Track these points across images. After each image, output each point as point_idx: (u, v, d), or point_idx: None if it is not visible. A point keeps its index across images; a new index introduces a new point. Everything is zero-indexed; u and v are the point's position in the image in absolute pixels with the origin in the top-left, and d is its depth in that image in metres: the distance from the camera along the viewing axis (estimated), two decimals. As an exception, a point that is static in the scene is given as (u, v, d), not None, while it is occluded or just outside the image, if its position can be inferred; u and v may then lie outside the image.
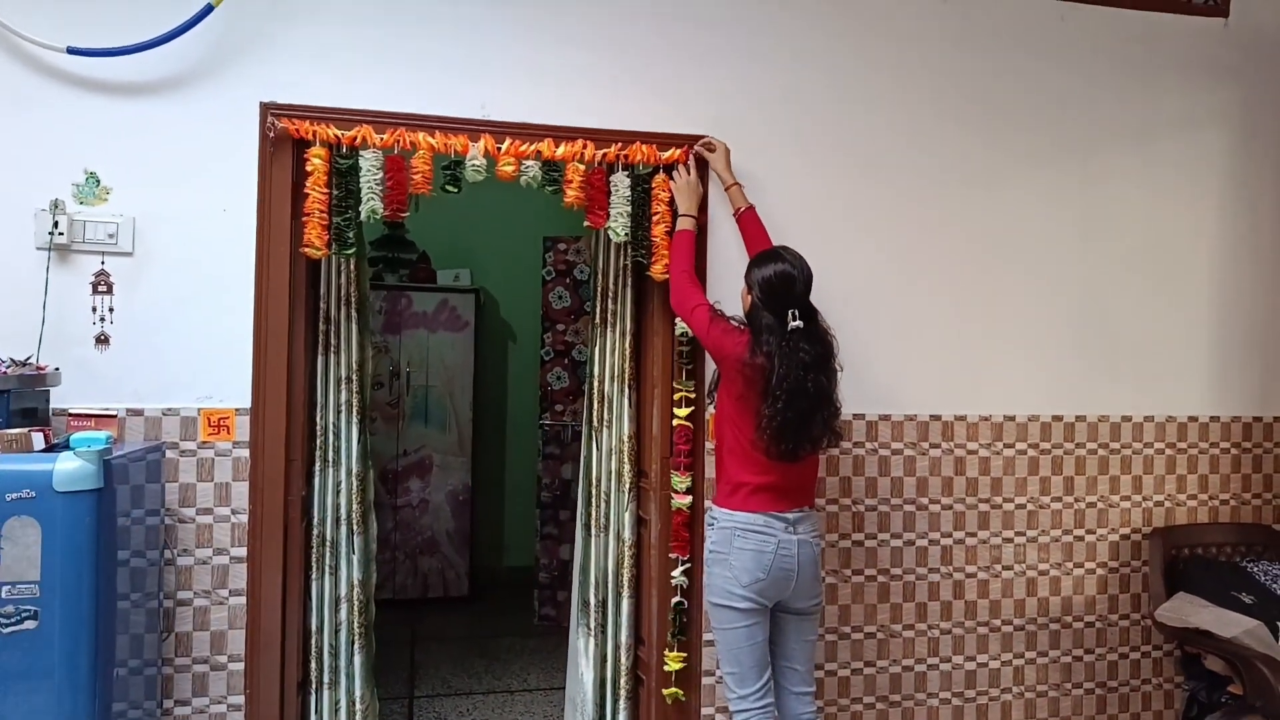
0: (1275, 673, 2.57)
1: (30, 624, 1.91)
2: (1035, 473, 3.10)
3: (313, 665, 2.82)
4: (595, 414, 3.13)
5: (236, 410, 2.57)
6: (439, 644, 4.71)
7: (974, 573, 3.05)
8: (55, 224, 2.42)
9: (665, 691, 2.84)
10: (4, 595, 1.90)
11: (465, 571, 5.35)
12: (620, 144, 2.76)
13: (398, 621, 4.88)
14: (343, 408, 2.86)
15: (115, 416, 2.42)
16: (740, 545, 2.38)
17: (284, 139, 2.59)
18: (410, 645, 4.64)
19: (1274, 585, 2.91)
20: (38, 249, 2.45)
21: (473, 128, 2.68)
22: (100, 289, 2.49)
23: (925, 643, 3.02)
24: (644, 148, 2.77)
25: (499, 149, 2.66)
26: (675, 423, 2.85)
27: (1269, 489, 3.28)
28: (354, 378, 2.87)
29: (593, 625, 3.08)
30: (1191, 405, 3.23)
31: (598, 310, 3.10)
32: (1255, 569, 2.99)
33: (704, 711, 2.87)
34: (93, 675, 1.99)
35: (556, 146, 2.69)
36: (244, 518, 2.57)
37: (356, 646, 2.88)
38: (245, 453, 2.57)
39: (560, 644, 3.23)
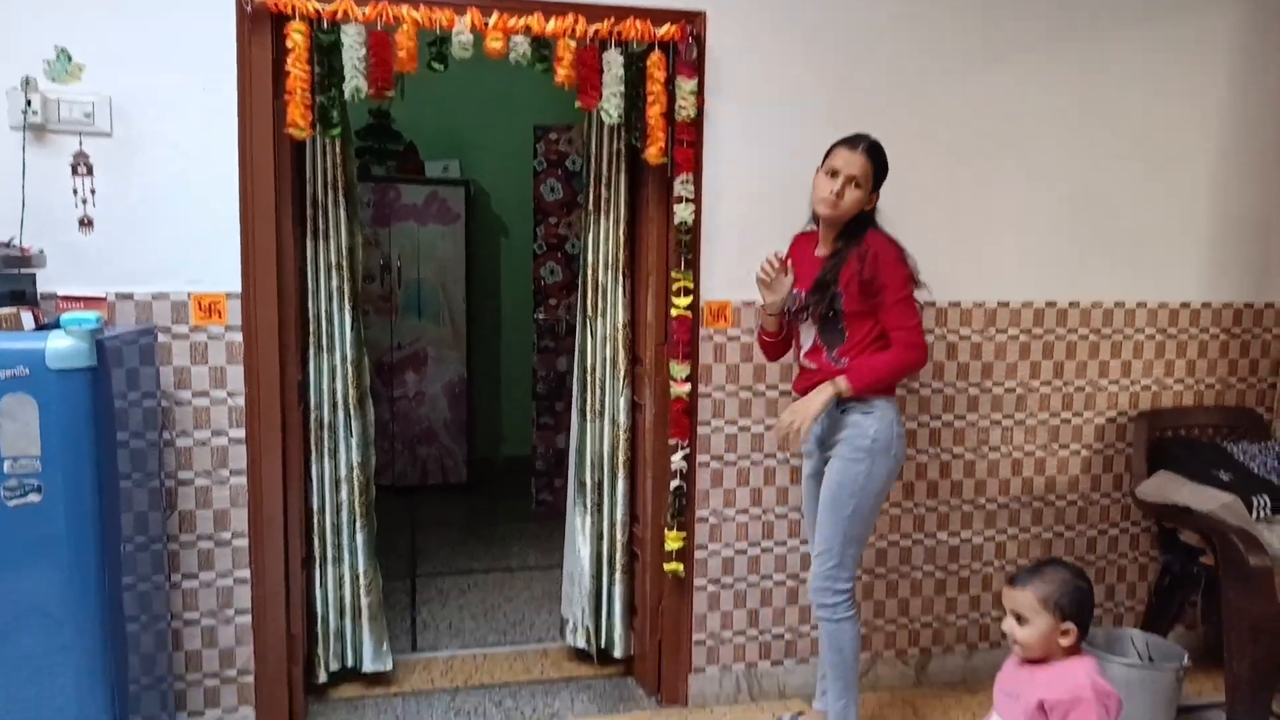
0: (1246, 544, 2.65)
1: (34, 497, 1.95)
2: (1026, 357, 3.13)
3: (316, 543, 2.90)
4: (589, 302, 3.13)
5: (227, 295, 2.56)
6: (439, 528, 4.84)
7: (961, 454, 3.11)
8: (28, 102, 2.36)
9: (666, 567, 2.92)
10: (6, 470, 1.93)
11: (463, 460, 5.45)
12: (613, 19, 2.68)
13: (398, 507, 5.00)
14: (334, 294, 2.86)
15: (104, 299, 2.42)
16: (900, 435, 2.51)
17: (262, 14, 2.50)
18: (411, 529, 4.77)
19: (1252, 464, 2.98)
20: (12, 129, 2.39)
21: (459, 1, 2.60)
22: (80, 170, 2.45)
23: (911, 519, 3.10)
24: (638, 23, 2.69)
25: (486, 24, 2.58)
26: (675, 313, 2.85)
27: (1254, 373, 3.33)
28: (344, 264, 2.86)
29: (589, 505, 3.15)
30: (1185, 291, 3.24)
31: (590, 197, 3.06)
32: (1235, 449, 3.05)
33: (696, 583, 2.97)
34: (99, 546, 2.04)
35: (546, 21, 2.61)
36: (240, 400, 2.60)
37: (359, 525, 2.95)
38: (238, 337, 2.58)
39: (557, 528, 3.32)
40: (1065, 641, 1.78)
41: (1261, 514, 2.83)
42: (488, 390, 6.01)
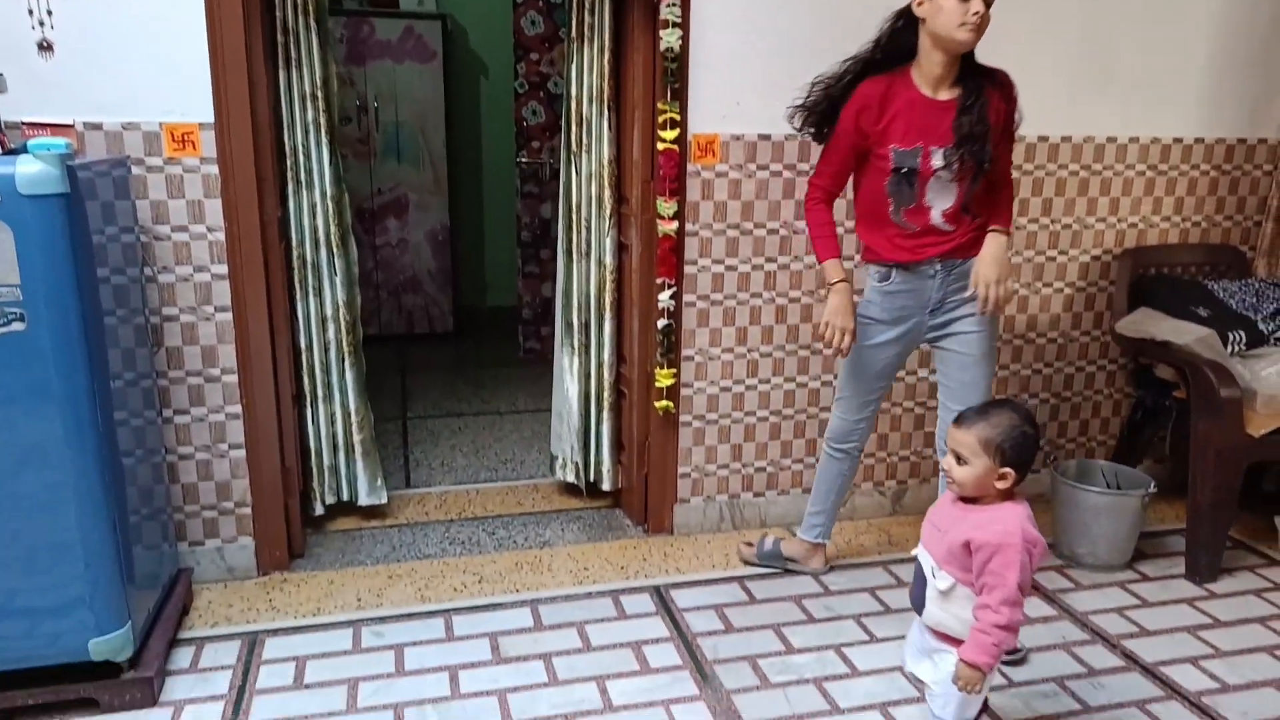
0: (1219, 376, 2.72)
1: (18, 325, 1.94)
2: (1016, 194, 3.09)
3: (305, 381, 2.92)
4: (574, 138, 3.06)
5: (200, 125, 2.47)
6: (428, 373, 4.89)
7: (945, 291, 3.13)
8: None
9: (656, 404, 2.97)
10: (-12, 297, 1.91)
11: (449, 309, 5.45)
12: None
13: (386, 354, 5.03)
14: (310, 127, 2.77)
15: (71, 126, 2.33)
16: None
17: None
18: (400, 374, 4.82)
19: (1231, 301, 3.01)
20: (-40, -59, 2.24)
21: None
22: (34, -13, 2.31)
23: (894, 357, 3.15)
24: None
25: None
26: (661, 146, 2.78)
27: (1241, 211, 3.32)
28: (319, 95, 2.76)
29: (576, 345, 3.18)
30: (1178, 127, 3.19)
31: (574, 24, 2.94)
32: (1216, 286, 3.08)
33: (682, 419, 3.04)
34: (88, 376, 2.04)
35: None
36: (220, 235, 2.55)
37: (347, 364, 2.97)
38: (214, 169, 2.51)
39: (545, 374, 3.36)
40: (1001, 485, 1.73)
41: (1236, 349, 2.89)
42: (471, 238, 5.95)
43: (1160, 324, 2.89)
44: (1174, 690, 2.33)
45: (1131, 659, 2.46)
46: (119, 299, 2.32)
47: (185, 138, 2.46)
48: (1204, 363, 2.76)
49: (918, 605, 1.84)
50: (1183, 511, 3.01)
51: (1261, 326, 2.93)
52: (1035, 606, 2.71)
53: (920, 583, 1.83)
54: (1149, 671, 2.41)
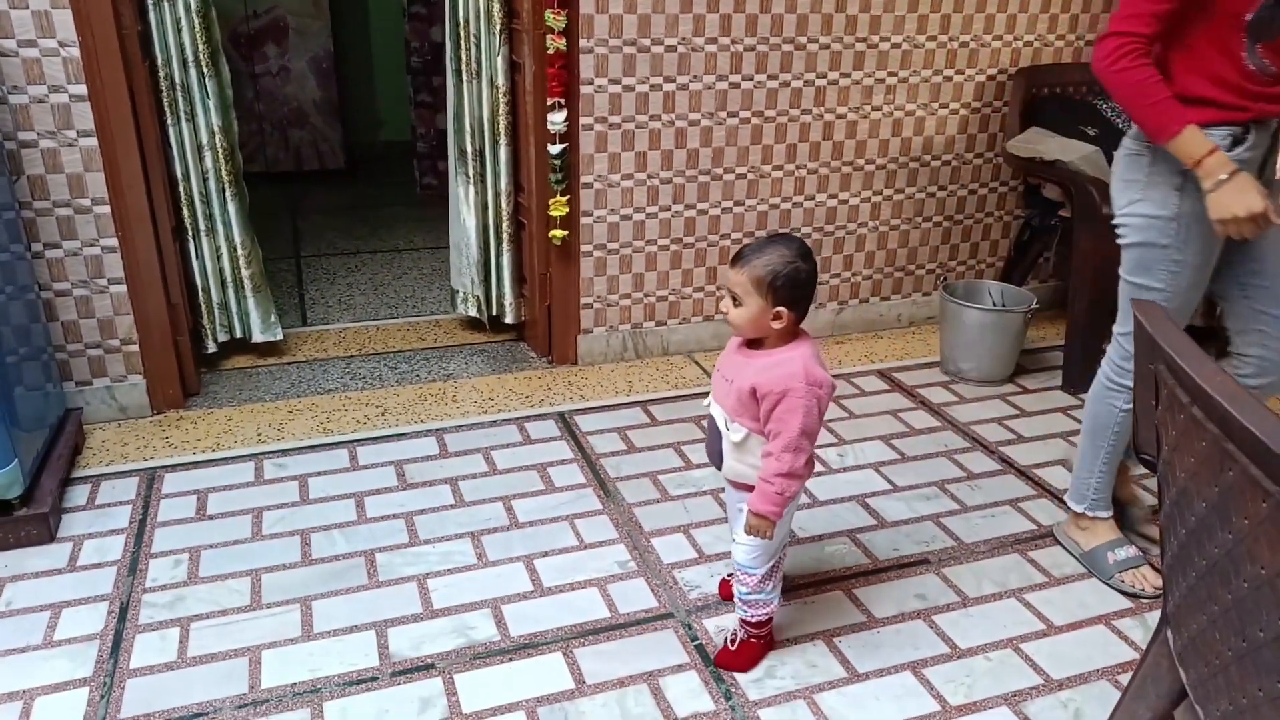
0: (1101, 193, 2.81)
1: None
2: (914, 10, 3.05)
3: (185, 213, 2.77)
4: (459, -54, 2.86)
5: (35, -78, 2.22)
6: (321, 214, 4.71)
7: (844, 114, 3.12)
8: None
9: (551, 233, 2.93)
10: None
11: (339, 144, 5.21)
12: None
13: (275, 193, 4.80)
14: (166, -71, 2.52)
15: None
16: None
17: None
18: (291, 215, 4.63)
19: (1118, 120, 3.08)
20: None
21: None
22: None
23: (792, 182, 3.16)
24: None
25: None
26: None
27: (1133, 31, 3.35)
28: (173, -109, 2.49)
29: (471, 174, 3.08)
30: (1076, -58, 3.17)
31: None
32: (1105, 106, 3.14)
33: (583, 249, 3.01)
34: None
35: None
36: (75, 51, 2.34)
37: (229, 194, 2.83)
38: (58, -25, 2.27)
39: (443, 211, 3.25)
40: (776, 325, 1.62)
41: (1118, 168, 2.98)
42: (358, 65, 5.61)
43: (1049, 142, 2.95)
44: (1044, 489, 2.52)
45: (1008, 463, 2.64)
46: (-37, 122, 2.13)
47: (18, -64, 2.21)
48: (1088, 180, 2.84)
49: (715, 460, 1.77)
50: (1063, 329, 3.18)
51: (1143, 146, 3.02)
52: (920, 418, 2.86)
53: (716, 437, 1.74)
54: (1023, 473, 2.59)
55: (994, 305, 3.09)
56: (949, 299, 3.05)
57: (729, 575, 2.01)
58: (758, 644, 1.86)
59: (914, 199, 3.34)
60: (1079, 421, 2.85)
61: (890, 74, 3.12)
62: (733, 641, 1.86)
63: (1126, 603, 2.06)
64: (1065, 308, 3.10)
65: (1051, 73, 3.26)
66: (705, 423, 1.80)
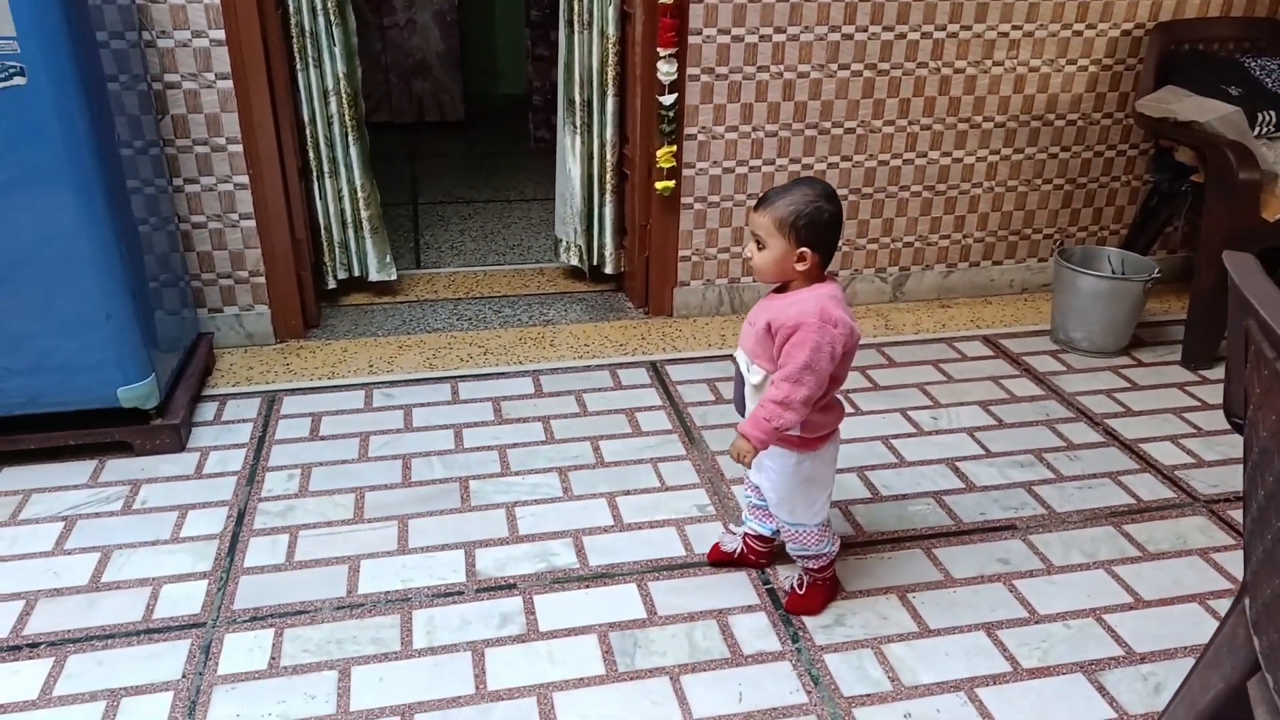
0: (1239, 156, 2.63)
1: (19, 80, 1.94)
2: (1044, -39, 2.92)
3: (310, 155, 2.93)
4: (578, -104, 2.89)
5: (181, -127, 2.37)
6: (438, 160, 4.87)
7: (963, 68, 3.02)
8: None
9: (658, 185, 2.96)
10: (-18, 51, 1.91)
11: (459, 96, 5.35)
12: None
13: (397, 141, 4.99)
14: (301, -120, 2.64)
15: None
16: None
17: None
18: (410, 161, 4.80)
19: (1267, 79, 2.88)
20: None
21: None
22: None
23: (905, 138, 3.08)
24: None
25: None
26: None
27: (1290, -17, 3.11)
28: None
29: (579, 124, 3.13)
30: (1233, -113, 2.95)
31: None
32: (1252, 64, 2.93)
33: (684, 201, 3.03)
34: (93, 139, 2.07)
35: None
36: (215, -2, 2.50)
37: (351, 139, 2.96)
38: (201, -76, 2.42)
39: (554, 163, 3.32)
40: (800, 266, 1.60)
41: (1265, 129, 2.79)
42: (481, 17, 5.73)
43: (1184, 101, 2.78)
44: (1149, 464, 2.42)
45: (1112, 435, 2.54)
46: (120, 63, 2.31)
47: (166, -113, 2.36)
48: (1224, 142, 2.67)
49: (739, 407, 1.76)
50: (1188, 302, 3.01)
51: (1293, 107, 2.82)
52: (1023, 385, 2.78)
53: (738, 384, 1.74)
54: (1127, 447, 2.49)
55: (1113, 273, 2.95)
56: (1063, 264, 2.93)
57: (723, 536, 2.02)
58: (824, 585, 1.88)
59: (1034, 160, 3.21)
60: (1196, 399, 2.73)
61: (1015, 27, 2.99)
62: (800, 585, 1.88)
63: (1224, 582, 1.98)
64: (1191, 280, 2.94)
65: (1193, 27, 3.06)
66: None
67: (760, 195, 1.66)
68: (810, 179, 1.67)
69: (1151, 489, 2.30)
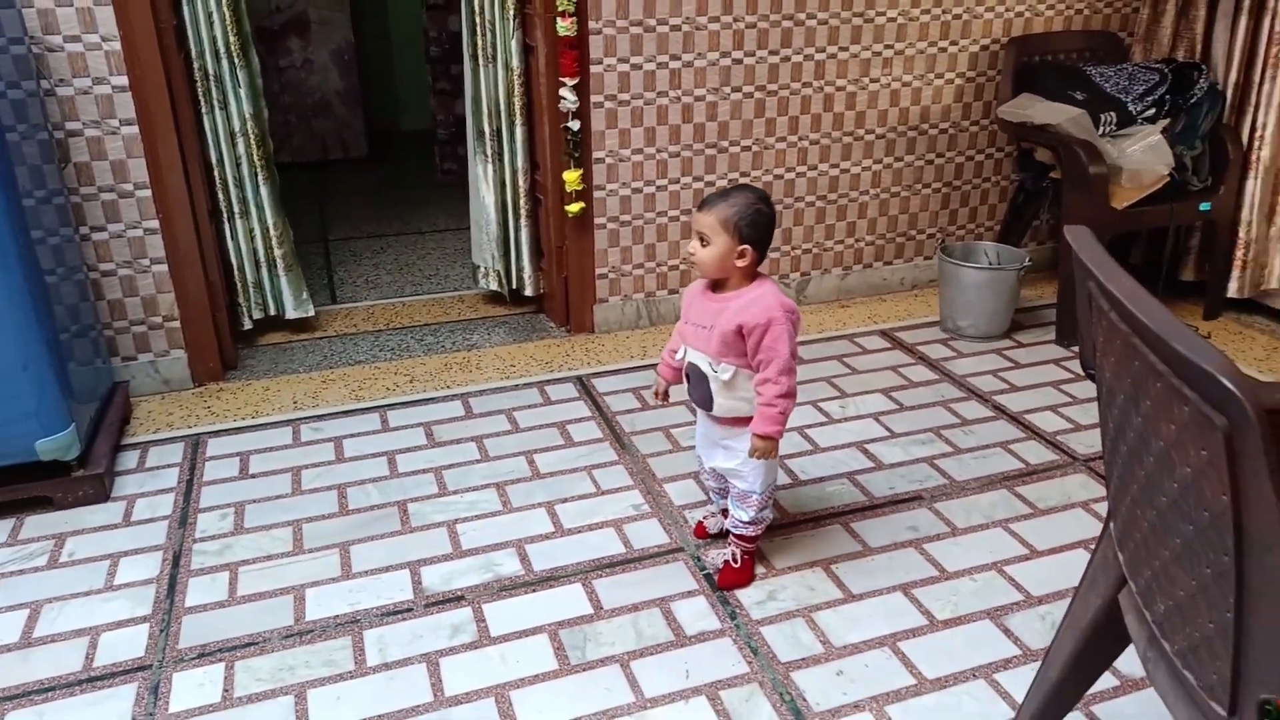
0: (1088, 154, 2.93)
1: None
2: (907, -15, 3.18)
3: (220, 196, 2.96)
4: (470, -63, 3.01)
5: (78, -74, 2.40)
6: (346, 197, 4.90)
7: (844, 86, 3.25)
8: None
9: (568, 208, 3.09)
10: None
11: (362, 133, 5.39)
12: None
13: (302, 180, 4.99)
14: (197, -70, 2.69)
15: (-56, -71, 2.25)
16: None
17: None
18: (318, 200, 4.82)
19: (1106, 84, 3.19)
20: None
21: None
22: None
23: (795, 153, 3.30)
24: None
25: None
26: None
27: (1122, -4, 3.46)
28: (202, -106, 2.66)
29: (490, 153, 3.24)
30: (1067, -87, 3.27)
31: None
32: (1093, 71, 3.25)
33: (597, 222, 3.17)
34: (2, 193, 2.08)
35: None
36: (117, 45, 2.52)
37: (261, 179, 3.01)
38: (101, -25, 2.45)
39: (464, 194, 3.42)
40: (741, 263, 1.79)
41: (1107, 129, 3.09)
42: (379, 55, 5.79)
43: (1037, 106, 3.07)
44: (1034, 432, 2.65)
45: (1000, 409, 2.78)
46: (18, 113, 2.31)
47: (63, -60, 2.39)
48: (1075, 142, 2.96)
49: (705, 403, 1.90)
50: (1058, 287, 3.30)
51: (1131, 107, 3.13)
52: (919, 372, 3.00)
53: (700, 383, 1.88)
54: (1014, 419, 2.72)
55: (990, 265, 3.21)
56: (946, 259, 3.18)
57: (708, 516, 2.19)
58: (752, 559, 2.06)
59: (913, 166, 3.46)
60: (1070, 371, 3.00)
61: (886, 47, 3.24)
62: (736, 560, 2.03)
63: (1107, 532, 2.20)
64: (1058, 267, 3.22)
65: (1043, 41, 3.37)
66: (684, 373, 1.94)
67: (702, 199, 1.84)
68: (747, 185, 1.89)
69: (1037, 454, 2.53)
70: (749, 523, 1.98)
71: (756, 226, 1.79)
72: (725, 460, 1.96)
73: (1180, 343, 0.93)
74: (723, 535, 2.16)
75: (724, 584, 2.02)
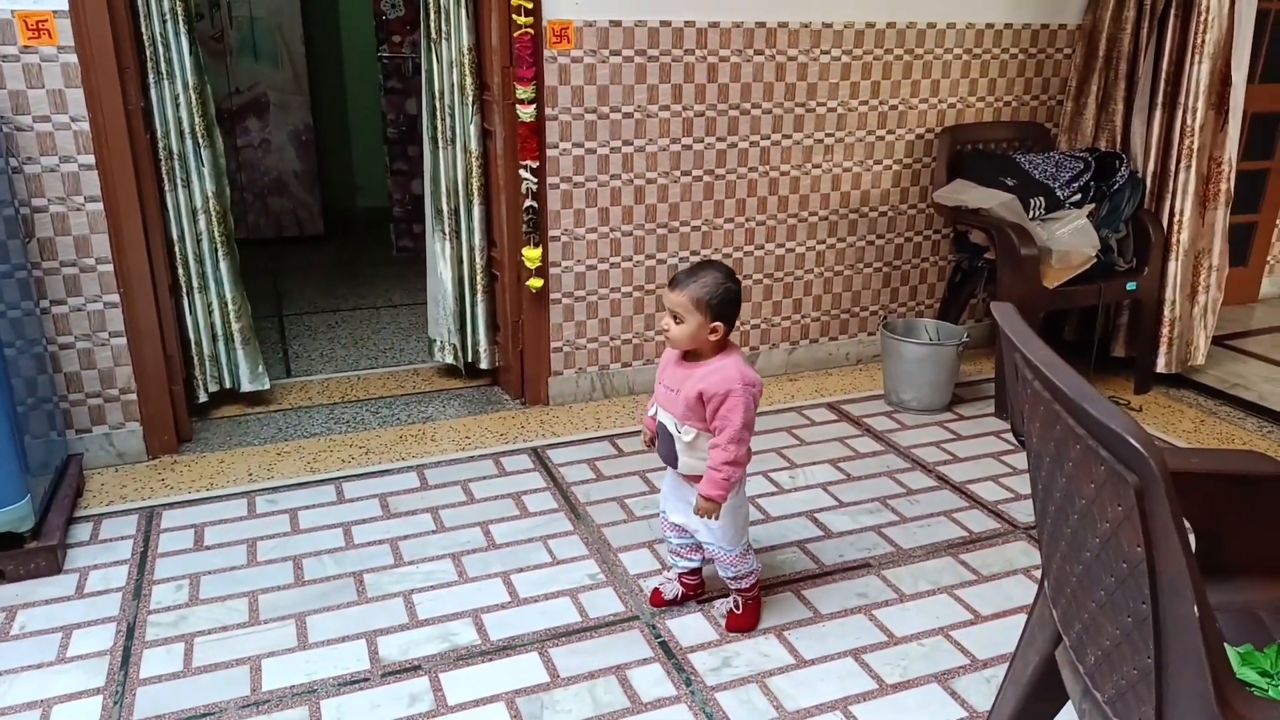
0: (1020, 236, 3.11)
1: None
2: (847, 78, 3.39)
3: (180, 271, 2.99)
4: (433, 26, 3.16)
5: (54, 12, 2.47)
6: (301, 274, 4.94)
7: (788, 171, 3.42)
8: None
9: (530, 283, 3.17)
10: None
11: (318, 211, 5.46)
12: None
13: (257, 256, 5.02)
14: (168, 16, 2.78)
15: (-79, 12, 2.31)
16: None
17: None
18: (273, 276, 4.85)
19: (1034, 171, 3.41)
20: None
21: None
22: None
23: (743, 233, 3.44)
24: None
25: None
26: (516, 32, 2.92)
27: (1045, 91, 3.72)
28: (174, -17, 2.77)
29: (447, 230, 3.33)
30: (990, 13, 3.52)
31: (427, -88, 3.00)
32: (1022, 159, 3.47)
33: (552, 297, 3.26)
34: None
35: None
36: (85, 125, 2.58)
37: (221, 254, 3.05)
38: (73, 58, 2.52)
39: (419, 271, 3.50)
40: (713, 337, 1.90)
41: (1037, 213, 3.29)
42: (336, 137, 5.91)
43: (971, 192, 3.26)
44: (976, 501, 2.76)
45: (944, 480, 2.88)
46: (-16, 190, 2.35)
47: (40, 25, 2.46)
48: (1008, 225, 3.15)
49: (670, 460, 2.01)
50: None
51: (1059, 193, 3.34)
52: (865, 444, 3.10)
53: (666, 440, 1.99)
54: (957, 489, 2.83)
55: (930, 340, 3.36)
56: (889, 335, 3.32)
57: (665, 583, 2.24)
58: (755, 603, 2.15)
59: (855, 247, 3.63)
60: (1009, 443, 3.12)
61: (828, 134, 3.43)
62: (738, 607, 2.13)
63: (1046, 595, 2.29)
64: (995, 343, 3.37)
65: (974, 130, 3.60)
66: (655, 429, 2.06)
67: (671, 277, 1.95)
68: (713, 261, 2.01)
69: (980, 522, 2.63)
70: (734, 578, 2.08)
71: (725, 304, 1.89)
72: (685, 515, 2.07)
73: (1094, 408, 1.03)
74: (679, 601, 2.21)
75: (731, 629, 2.13)
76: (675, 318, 1.91)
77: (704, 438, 1.94)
